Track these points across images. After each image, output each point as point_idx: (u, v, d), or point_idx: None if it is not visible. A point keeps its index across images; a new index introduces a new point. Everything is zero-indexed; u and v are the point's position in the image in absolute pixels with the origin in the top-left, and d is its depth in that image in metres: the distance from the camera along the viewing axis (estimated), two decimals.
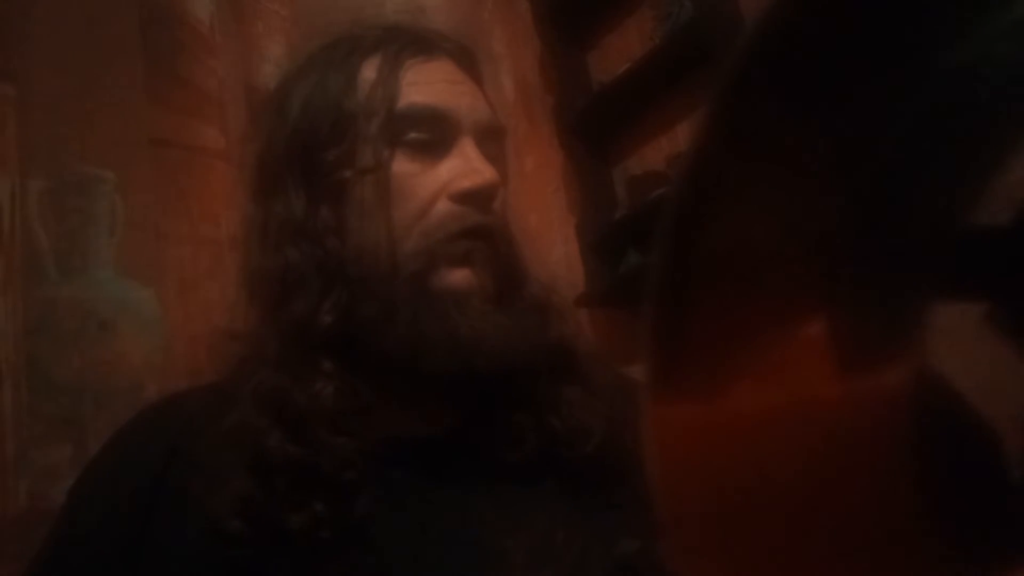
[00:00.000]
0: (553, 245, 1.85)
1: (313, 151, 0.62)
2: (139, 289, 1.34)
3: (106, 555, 0.55)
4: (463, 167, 0.61)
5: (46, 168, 1.33)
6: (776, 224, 0.23)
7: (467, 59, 0.69)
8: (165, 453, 0.58)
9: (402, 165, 0.61)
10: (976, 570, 0.22)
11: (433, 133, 0.62)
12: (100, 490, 0.60)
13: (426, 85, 0.63)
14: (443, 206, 0.60)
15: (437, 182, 0.60)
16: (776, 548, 0.23)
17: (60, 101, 1.37)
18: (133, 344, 1.31)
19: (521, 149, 1.91)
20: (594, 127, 1.84)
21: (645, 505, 0.24)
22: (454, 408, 0.60)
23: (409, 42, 0.65)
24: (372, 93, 0.62)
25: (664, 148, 1.75)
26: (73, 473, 0.64)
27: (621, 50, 1.85)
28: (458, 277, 0.59)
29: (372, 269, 0.58)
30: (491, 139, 0.64)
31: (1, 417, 1.17)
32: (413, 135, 0.61)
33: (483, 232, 0.60)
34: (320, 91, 0.64)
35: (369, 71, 0.63)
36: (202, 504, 0.52)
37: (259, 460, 0.53)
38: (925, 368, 0.21)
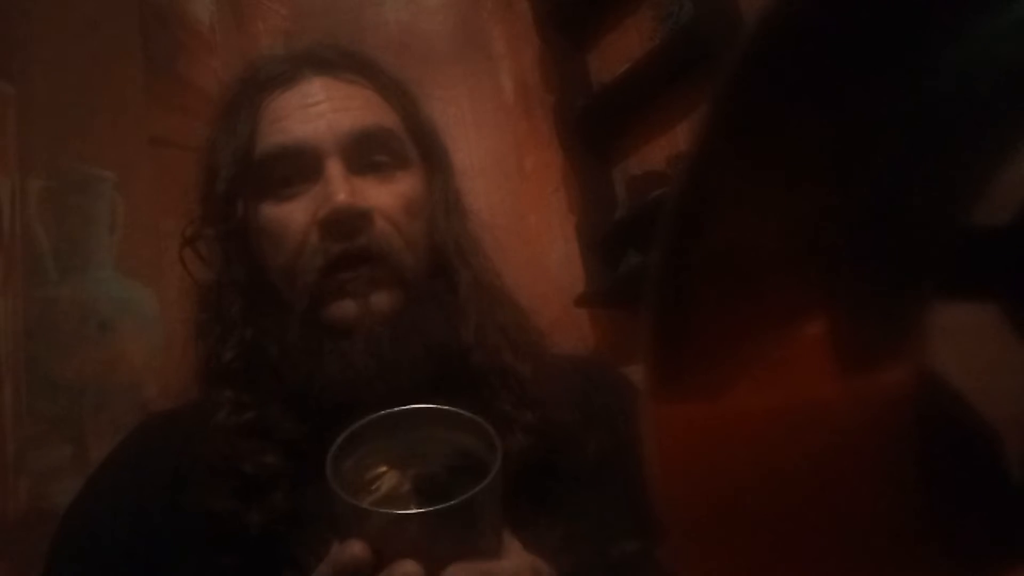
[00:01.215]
0: (553, 245, 1.85)
1: (207, 207, 0.65)
2: (139, 289, 1.34)
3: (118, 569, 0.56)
4: (322, 194, 0.59)
5: (46, 168, 1.33)
6: (776, 224, 0.23)
7: (349, 66, 0.66)
8: (170, 472, 0.59)
9: (269, 210, 0.61)
10: (976, 571, 0.22)
11: (294, 168, 0.61)
12: (110, 511, 0.60)
13: (282, 121, 0.62)
14: (313, 239, 0.59)
15: (305, 215, 0.60)
16: (776, 548, 0.23)
17: (60, 101, 1.37)
18: (133, 344, 1.31)
19: (521, 149, 1.91)
20: (594, 127, 1.84)
21: (645, 505, 0.24)
22: None
23: (270, 76, 0.65)
24: (234, 147, 0.63)
25: (664, 148, 1.75)
26: (73, 473, 0.64)
27: (621, 50, 1.85)
28: (339, 311, 0.59)
29: (272, 310, 0.60)
30: (366, 146, 0.62)
31: (1, 417, 1.17)
32: (278, 176, 0.61)
33: (357, 257, 0.59)
34: (207, 148, 0.66)
35: (239, 123, 0.64)
36: (203, 504, 0.54)
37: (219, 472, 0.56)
38: (925, 368, 0.21)
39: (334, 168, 0.60)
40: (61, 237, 1.32)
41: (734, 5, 1.49)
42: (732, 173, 0.23)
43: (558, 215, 1.87)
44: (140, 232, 1.37)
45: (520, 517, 0.54)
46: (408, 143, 0.65)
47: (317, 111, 0.62)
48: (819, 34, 0.22)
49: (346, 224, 0.59)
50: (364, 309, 0.59)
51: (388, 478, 0.46)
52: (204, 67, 1.56)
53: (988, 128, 0.21)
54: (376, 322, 0.59)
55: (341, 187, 0.59)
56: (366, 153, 0.62)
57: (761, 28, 0.22)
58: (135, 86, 1.46)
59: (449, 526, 0.43)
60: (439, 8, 1.92)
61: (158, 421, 0.66)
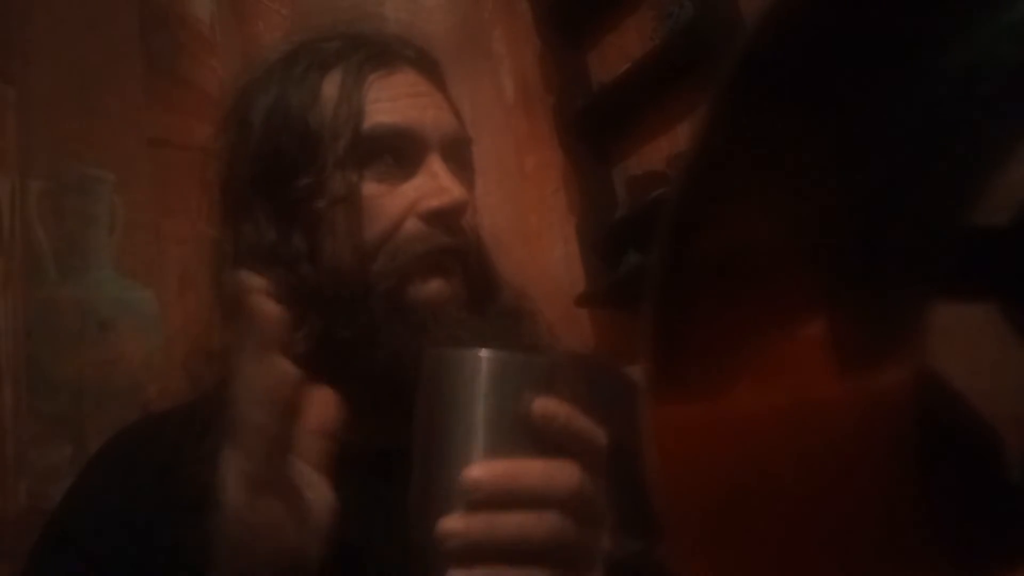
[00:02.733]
0: (553, 245, 1.85)
1: (280, 176, 0.61)
2: (139, 289, 1.34)
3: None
4: (431, 185, 0.60)
5: (46, 168, 1.33)
6: (776, 224, 0.23)
7: (430, 66, 0.68)
8: (159, 476, 0.56)
9: (370, 187, 0.60)
10: (976, 571, 0.22)
11: (400, 152, 0.61)
12: (96, 513, 0.58)
13: (390, 102, 0.62)
14: (411, 225, 0.59)
15: (405, 201, 0.60)
16: (776, 548, 0.23)
17: (60, 102, 1.37)
18: (133, 344, 1.31)
19: (521, 149, 1.91)
20: (594, 127, 1.84)
21: (646, 504, 0.24)
22: None
23: (370, 54, 0.64)
24: (336, 113, 0.60)
25: (664, 148, 1.75)
26: (73, 473, 0.64)
27: (621, 50, 1.85)
28: (432, 288, 0.59)
29: (346, 292, 0.58)
30: (457, 149, 0.64)
31: (1, 417, 1.17)
32: (382, 155, 0.60)
33: (451, 251, 0.60)
34: (281, 109, 0.62)
35: (330, 88, 0.62)
36: (196, 524, 0.52)
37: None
38: (925, 368, 0.21)
39: (437, 162, 0.61)
40: (61, 237, 1.31)
41: (734, 5, 1.49)
42: (732, 173, 0.23)
43: (558, 215, 1.87)
44: (140, 232, 1.37)
45: None
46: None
47: (423, 102, 0.63)
48: (819, 34, 0.22)
49: (456, 220, 0.60)
50: (453, 290, 0.60)
51: None
52: (204, 67, 1.55)
53: (988, 128, 0.21)
54: (461, 305, 0.59)
55: (454, 183, 0.60)
56: (456, 156, 0.63)
57: (761, 28, 0.22)
58: (135, 86, 1.46)
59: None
60: (439, 8, 1.92)
61: (149, 421, 0.65)
